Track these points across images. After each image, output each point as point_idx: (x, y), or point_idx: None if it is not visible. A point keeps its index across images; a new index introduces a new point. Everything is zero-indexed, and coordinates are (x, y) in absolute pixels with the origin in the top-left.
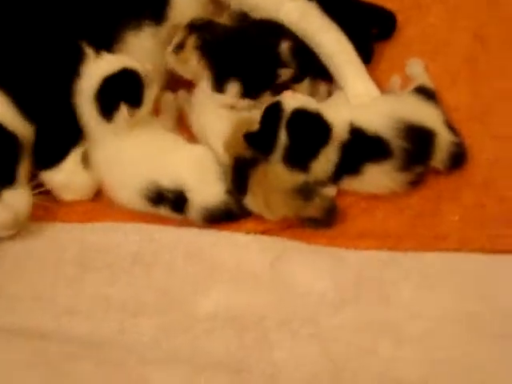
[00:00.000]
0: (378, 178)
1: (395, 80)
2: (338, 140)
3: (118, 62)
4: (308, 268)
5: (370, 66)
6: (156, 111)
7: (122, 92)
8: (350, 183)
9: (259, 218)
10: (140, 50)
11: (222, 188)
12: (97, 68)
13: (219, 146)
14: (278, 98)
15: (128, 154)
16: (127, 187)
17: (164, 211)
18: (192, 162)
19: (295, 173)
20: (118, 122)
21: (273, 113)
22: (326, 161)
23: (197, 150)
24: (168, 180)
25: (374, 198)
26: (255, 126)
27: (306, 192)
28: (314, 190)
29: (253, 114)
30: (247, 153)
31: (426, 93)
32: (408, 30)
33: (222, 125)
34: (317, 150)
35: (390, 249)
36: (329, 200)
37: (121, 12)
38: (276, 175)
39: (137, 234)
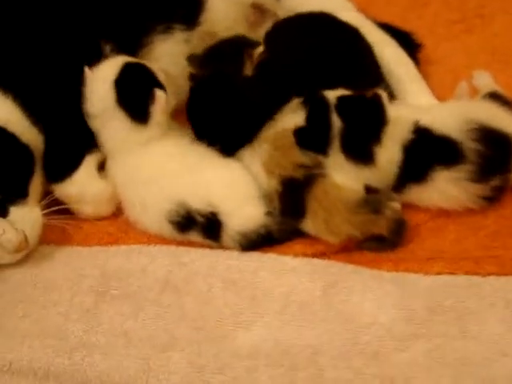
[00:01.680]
0: (448, 187)
1: (462, 86)
2: (401, 137)
3: (121, 60)
4: (370, 296)
5: (433, 78)
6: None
7: (147, 80)
8: (416, 193)
9: (308, 239)
10: (169, 56)
11: (261, 209)
12: (105, 70)
13: (260, 171)
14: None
15: (152, 170)
16: (151, 210)
17: (194, 237)
18: (226, 180)
19: (359, 183)
20: (155, 117)
21: (318, 106)
22: (391, 146)
23: (232, 167)
24: (199, 201)
25: (443, 215)
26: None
27: (373, 203)
28: (381, 200)
29: (285, 124)
30: (297, 172)
31: (500, 99)
32: (471, 39)
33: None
34: (377, 130)
35: (468, 273)
36: (399, 212)
37: (149, 14)
38: (338, 189)
39: (165, 257)
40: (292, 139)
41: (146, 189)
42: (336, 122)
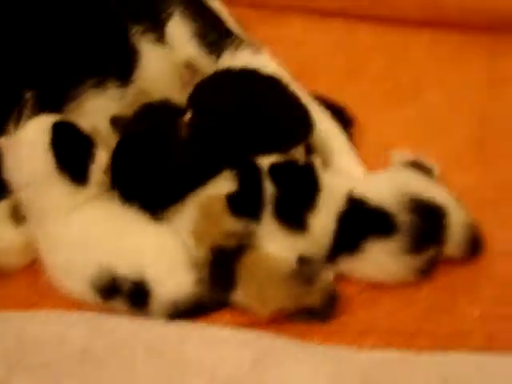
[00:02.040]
0: (381, 258)
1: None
2: (334, 206)
3: (46, 120)
4: (300, 370)
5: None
6: None
7: (82, 140)
8: (349, 264)
9: (237, 308)
10: (100, 113)
11: (191, 277)
12: (33, 133)
13: (189, 238)
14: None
15: (78, 233)
16: (73, 273)
17: (119, 305)
18: (155, 245)
19: (292, 253)
20: (95, 177)
21: (250, 171)
22: (325, 215)
23: (161, 232)
24: (125, 267)
25: (377, 287)
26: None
27: (306, 274)
28: (313, 271)
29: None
30: (228, 241)
31: (423, 169)
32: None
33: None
34: (311, 197)
35: (401, 347)
36: (331, 283)
37: (79, 65)
38: (270, 260)
39: (85, 324)
40: (220, 207)
41: (70, 252)
42: (269, 187)
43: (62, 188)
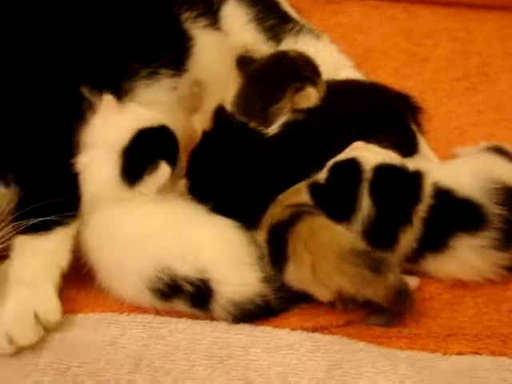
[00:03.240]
0: (468, 256)
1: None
2: (422, 209)
3: (153, 116)
4: (381, 378)
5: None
6: None
7: (160, 149)
8: (432, 263)
9: (306, 310)
10: (154, 105)
11: (257, 275)
12: (127, 120)
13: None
14: (348, 153)
15: (132, 229)
16: (129, 275)
17: (179, 306)
18: (218, 241)
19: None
20: (147, 186)
21: (347, 173)
22: (416, 224)
23: (223, 225)
24: (186, 266)
25: (460, 287)
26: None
27: (372, 259)
28: (384, 261)
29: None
30: (285, 213)
31: (507, 155)
32: (476, 97)
33: None
34: (410, 215)
35: (494, 353)
36: (403, 281)
37: (131, 56)
38: (329, 231)
39: (140, 328)
40: (295, 192)
41: (124, 250)
42: (365, 205)
43: (113, 173)
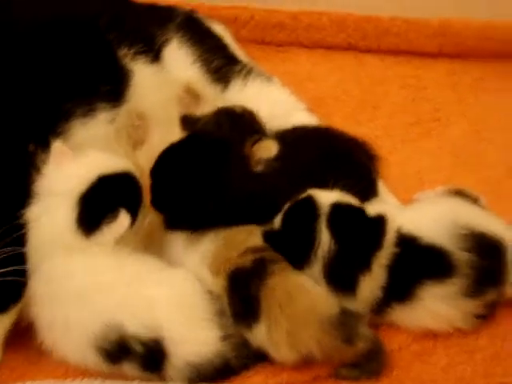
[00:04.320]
0: (437, 305)
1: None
2: (387, 255)
3: (115, 162)
4: None
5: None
6: None
7: (121, 196)
8: (400, 314)
9: (268, 367)
10: (91, 141)
11: (215, 333)
12: (85, 166)
13: (205, 272)
14: (304, 194)
15: (79, 281)
16: (75, 332)
17: (128, 370)
18: (173, 295)
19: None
20: (104, 236)
21: (303, 210)
22: (378, 270)
23: (179, 279)
24: (136, 323)
25: (430, 336)
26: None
27: (346, 328)
28: (354, 326)
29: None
30: (245, 258)
31: (468, 197)
32: (431, 142)
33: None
34: (369, 257)
35: None
36: (373, 341)
37: (66, 94)
38: (307, 294)
39: None
40: (246, 235)
41: (70, 304)
42: (324, 240)
43: (68, 220)
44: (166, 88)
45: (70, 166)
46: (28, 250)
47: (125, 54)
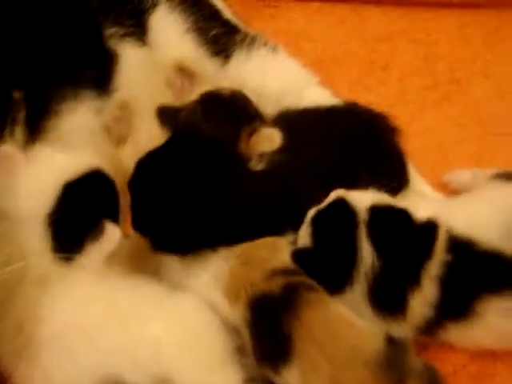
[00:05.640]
0: (498, 321)
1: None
2: (437, 266)
3: (76, 158)
4: None
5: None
6: None
7: (98, 204)
8: (455, 333)
9: None
10: (78, 133)
11: (237, 377)
12: (45, 173)
13: (217, 297)
14: (331, 198)
15: (57, 323)
16: None
17: None
18: (181, 334)
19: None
20: (91, 257)
21: (337, 218)
22: (428, 285)
23: (186, 307)
24: (137, 372)
25: (489, 356)
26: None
27: (395, 365)
28: (405, 357)
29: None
30: (271, 283)
31: None
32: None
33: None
34: (419, 270)
35: None
36: (427, 373)
37: (53, 73)
38: (348, 328)
39: None
40: (268, 251)
41: (51, 356)
42: (366, 253)
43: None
44: (154, 72)
45: (26, 178)
46: None
47: (111, 34)
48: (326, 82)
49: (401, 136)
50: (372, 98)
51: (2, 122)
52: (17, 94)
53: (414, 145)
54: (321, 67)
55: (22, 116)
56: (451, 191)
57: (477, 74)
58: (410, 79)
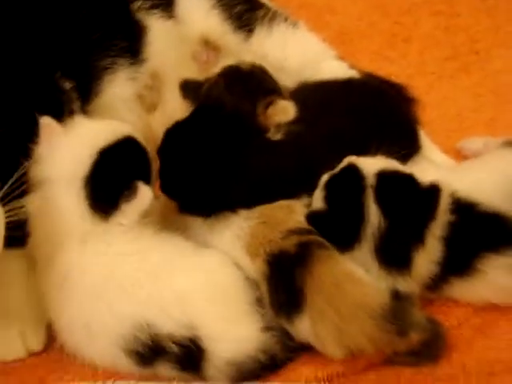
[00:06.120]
0: (500, 277)
1: (488, 142)
2: (441, 225)
3: (110, 128)
4: None
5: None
6: None
7: (131, 166)
8: (459, 288)
9: (316, 356)
10: (120, 102)
11: (257, 326)
12: (80, 141)
13: (239, 254)
14: (343, 164)
15: (98, 276)
16: (98, 334)
17: (165, 371)
18: (206, 287)
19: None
20: (126, 215)
21: (347, 183)
22: (432, 249)
23: (213, 262)
24: (168, 321)
25: (492, 310)
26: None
27: (400, 319)
28: (409, 310)
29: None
30: (288, 241)
31: None
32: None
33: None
34: (422, 229)
35: None
36: (429, 326)
37: (86, 46)
38: (355, 284)
39: None
40: (287, 212)
41: (91, 303)
42: (373, 215)
43: (78, 207)
44: (181, 44)
45: (64, 145)
46: (33, 241)
47: (139, 8)
48: (348, 54)
49: (417, 105)
50: (392, 70)
51: (60, 113)
52: (68, 85)
53: (431, 114)
54: (343, 40)
55: (77, 105)
56: (464, 157)
57: (497, 45)
58: (430, 50)
